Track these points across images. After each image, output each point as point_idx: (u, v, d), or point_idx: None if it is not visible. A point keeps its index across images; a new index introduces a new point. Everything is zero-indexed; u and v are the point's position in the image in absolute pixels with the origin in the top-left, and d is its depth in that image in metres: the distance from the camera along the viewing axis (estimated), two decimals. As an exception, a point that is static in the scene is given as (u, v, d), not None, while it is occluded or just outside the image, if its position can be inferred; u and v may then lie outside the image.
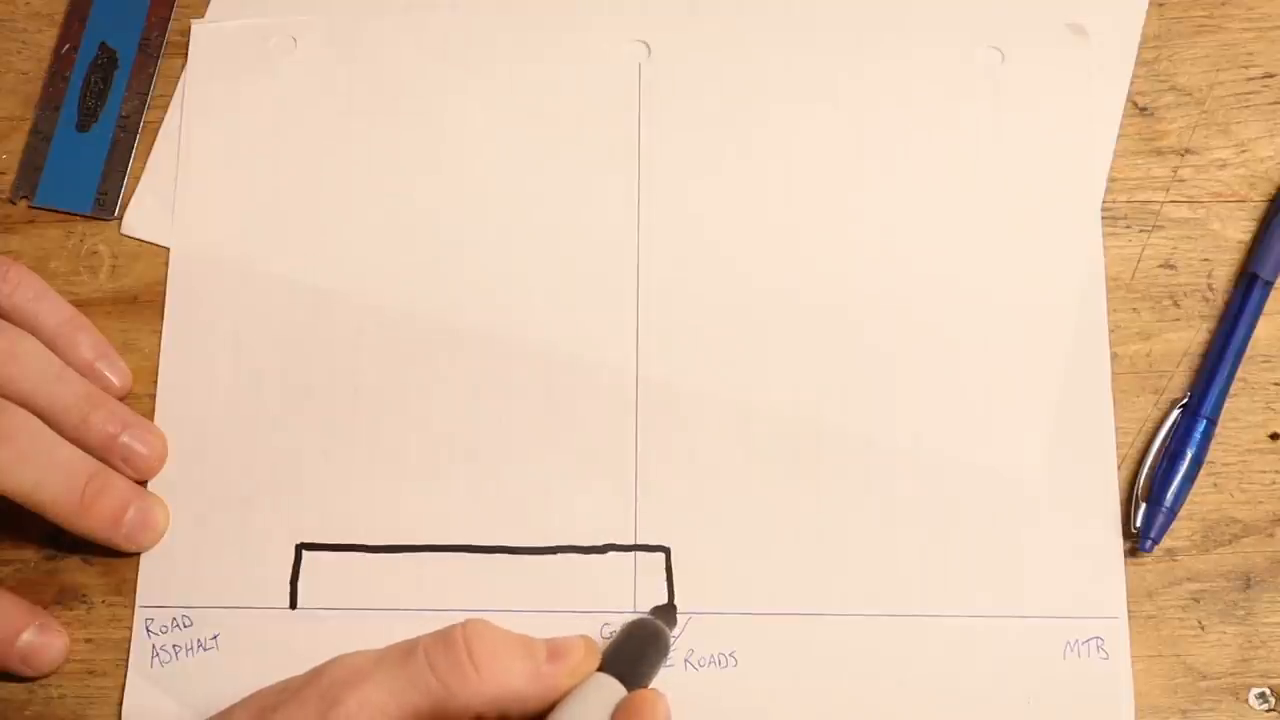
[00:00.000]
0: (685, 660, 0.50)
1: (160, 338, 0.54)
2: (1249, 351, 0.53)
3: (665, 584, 0.51)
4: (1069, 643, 0.50)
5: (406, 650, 0.43)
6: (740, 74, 0.56)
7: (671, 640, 0.50)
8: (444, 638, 0.43)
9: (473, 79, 0.56)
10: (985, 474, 0.52)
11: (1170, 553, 0.52)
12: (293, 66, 0.57)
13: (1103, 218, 0.55)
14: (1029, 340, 0.53)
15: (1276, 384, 0.53)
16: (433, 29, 0.57)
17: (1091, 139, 0.56)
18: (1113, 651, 0.50)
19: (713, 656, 0.50)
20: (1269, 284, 0.54)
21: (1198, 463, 0.52)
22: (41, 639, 0.50)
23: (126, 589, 0.51)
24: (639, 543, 0.51)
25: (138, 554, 0.51)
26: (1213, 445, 0.52)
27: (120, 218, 0.55)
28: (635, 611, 0.50)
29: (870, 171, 0.55)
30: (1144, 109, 0.56)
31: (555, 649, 0.44)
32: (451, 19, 0.57)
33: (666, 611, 0.50)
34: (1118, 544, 0.51)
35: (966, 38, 0.57)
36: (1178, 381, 0.53)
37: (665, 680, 0.49)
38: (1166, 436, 0.52)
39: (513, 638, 0.44)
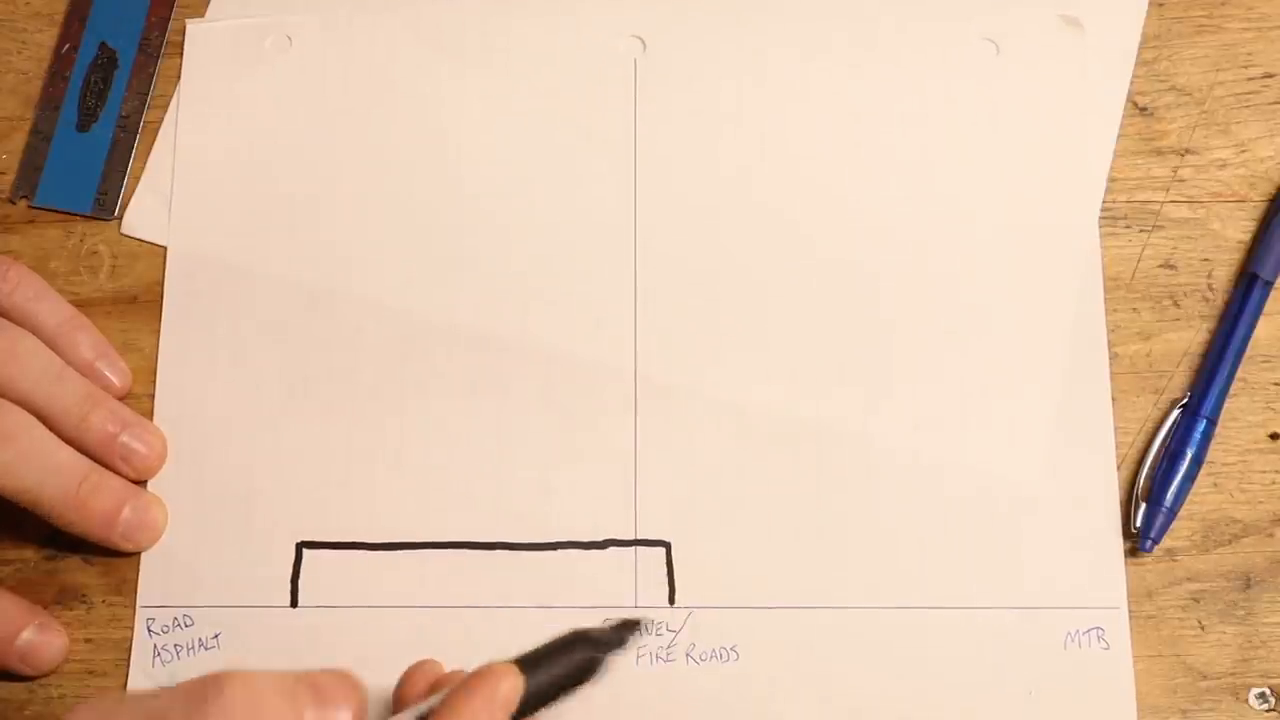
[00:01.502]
0: (687, 654, 0.50)
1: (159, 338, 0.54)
2: (1249, 351, 0.53)
3: (666, 579, 0.51)
4: (1069, 633, 0.50)
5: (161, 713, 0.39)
6: (735, 69, 0.56)
7: (605, 660, 0.45)
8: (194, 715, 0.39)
9: (469, 75, 0.56)
10: (985, 472, 0.52)
11: (1170, 553, 0.52)
12: (288, 65, 0.57)
13: (1103, 218, 0.55)
14: (1029, 340, 0.53)
15: (1276, 384, 0.53)
16: (428, 26, 0.57)
17: (1089, 134, 0.56)
18: (1113, 641, 0.50)
19: (714, 650, 0.50)
20: (1269, 284, 0.54)
21: (1198, 463, 0.52)
22: (41, 638, 0.50)
23: (127, 589, 0.51)
24: (639, 538, 0.51)
25: (138, 553, 0.51)
26: (1213, 445, 0.52)
27: (120, 218, 0.55)
28: (636, 607, 0.50)
29: (868, 167, 0.55)
30: (1144, 109, 0.56)
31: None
32: (447, 16, 0.57)
33: (625, 628, 0.46)
34: (1117, 536, 0.51)
35: (961, 31, 0.57)
36: (1178, 381, 0.53)
37: (668, 674, 0.49)
38: (1166, 436, 0.52)
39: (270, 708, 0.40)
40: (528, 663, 0.44)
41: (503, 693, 0.41)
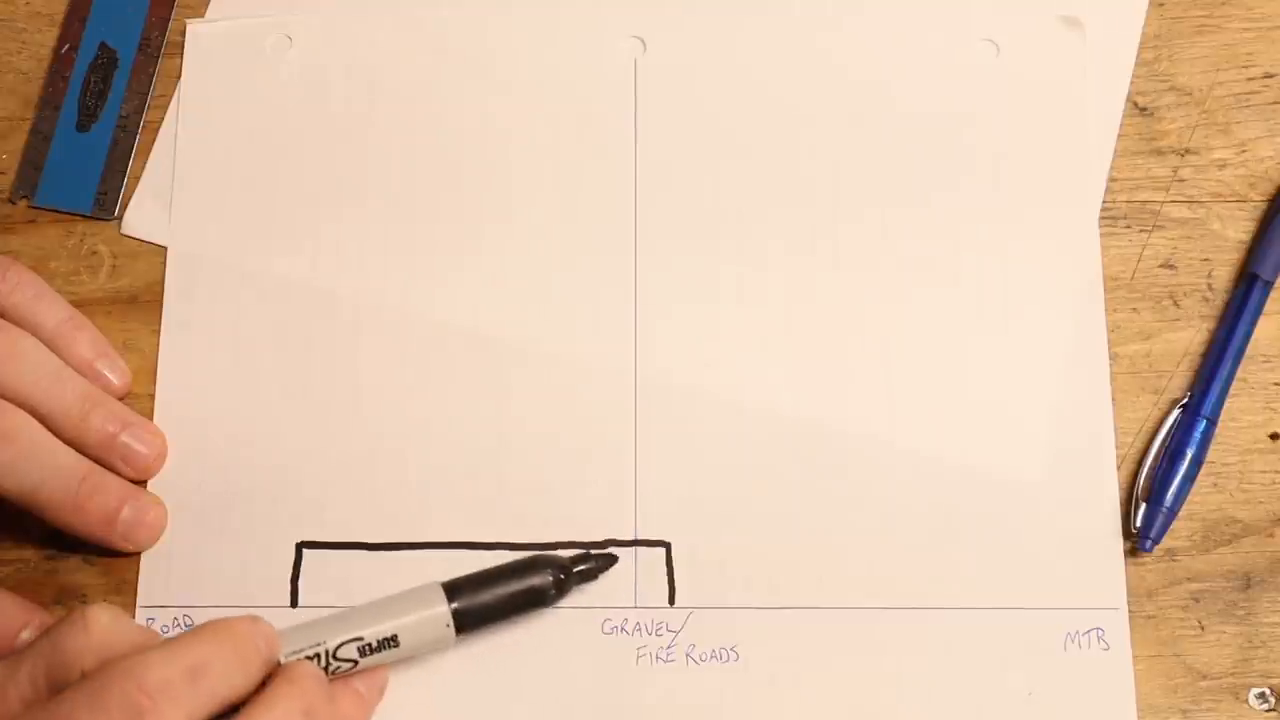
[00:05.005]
0: (687, 655, 0.50)
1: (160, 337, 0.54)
2: (1249, 351, 0.53)
3: (666, 579, 0.51)
4: (1069, 634, 0.50)
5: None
6: (735, 68, 0.56)
7: (564, 585, 0.49)
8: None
9: (469, 76, 0.56)
10: (985, 473, 0.52)
11: (1170, 553, 0.52)
12: (289, 65, 0.57)
13: (1102, 218, 0.55)
14: (1029, 340, 0.53)
15: (1276, 384, 0.53)
16: (428, 27, 0.57)
17: (1089, 134, 0.56)
18: (1113, 642, 0.50)
19: (714, 651, 0.50)
20: (1269, 284, 0.54)
21: (1198, 463, 0.52)
22: (39, 638, 0.49)
23: (127, 589, 0.51)
24: (639, 538, 0.51)
25: (138, 554, 0.51)
26: (1213, 445, 0.52)
27: (120, 218, 0.55)
28: (636, 607, 0.50)
29: (868, 167, 0.55)
30: (1144, 109, 0.56)
31: None
32: (447, 17, 0.57)
33: (594, 561, 0.50)
34: (1117, 536, 0.51)
35: (961, 31, 0.57)
36: (1178, 381, 0.53)
37: (668, 674, 0.49)
38: (1166, 436, 0.52)
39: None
40: (474, 581, 0.48)
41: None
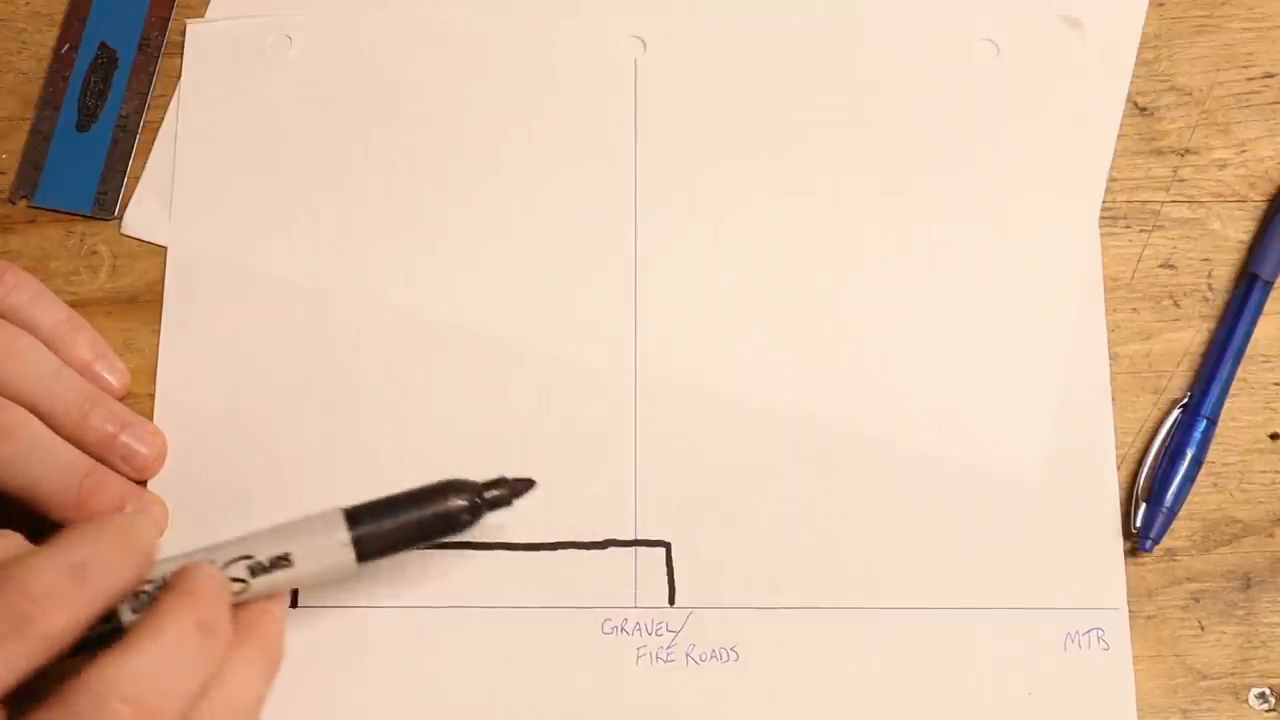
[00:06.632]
0: (687, 655, 0.50)
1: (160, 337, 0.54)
2: (1249, 351, 0.53)
3: (666, 579, 0.51)
4: (1069, 634, 0.50)
5: None
6: (735, 69, 0.56)
7: (478, 512, 0.47)
8: None
9: (469, 76, 0.56)
10: (985, 473, 0.52)
11: (1170, 553, 0.52)
12: (289, 65, 0.57)
13: (1102, 218, 0.55)
14: (1029, 340, 0.53)
15: (1277, 384, 0.53)
16: (428, 26, 0.57)
17: (1089, 134, 0.56)
18: (1113, 642, 0.50)
19: (714, 651, 0.50)
20: (1269, 284, 0.54)
21: (1198, 463, 0.52)
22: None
23: (126, 589, 0.51)
24: (639, 538, 0.51)
25: (137, 553, 0.51)
26: (1213, 445, 0.52)
27: (120, 218, 0.55)
28: (636, 607, 0.51)
29: (867, 166, 0.55)
30: (1144, 109, 0.56)
31: None
32: (447, 16, 0.57)
33: (509, 486, 0.47)
34: (1117, 536, 0.51)
35: (961, 31, 0.57)
36: (1178, 381, 0.53)
37: (668, 674, 0.49)
38: (1166, 436, 0.52)
39: None
40: (379, 505, 0.46)
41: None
